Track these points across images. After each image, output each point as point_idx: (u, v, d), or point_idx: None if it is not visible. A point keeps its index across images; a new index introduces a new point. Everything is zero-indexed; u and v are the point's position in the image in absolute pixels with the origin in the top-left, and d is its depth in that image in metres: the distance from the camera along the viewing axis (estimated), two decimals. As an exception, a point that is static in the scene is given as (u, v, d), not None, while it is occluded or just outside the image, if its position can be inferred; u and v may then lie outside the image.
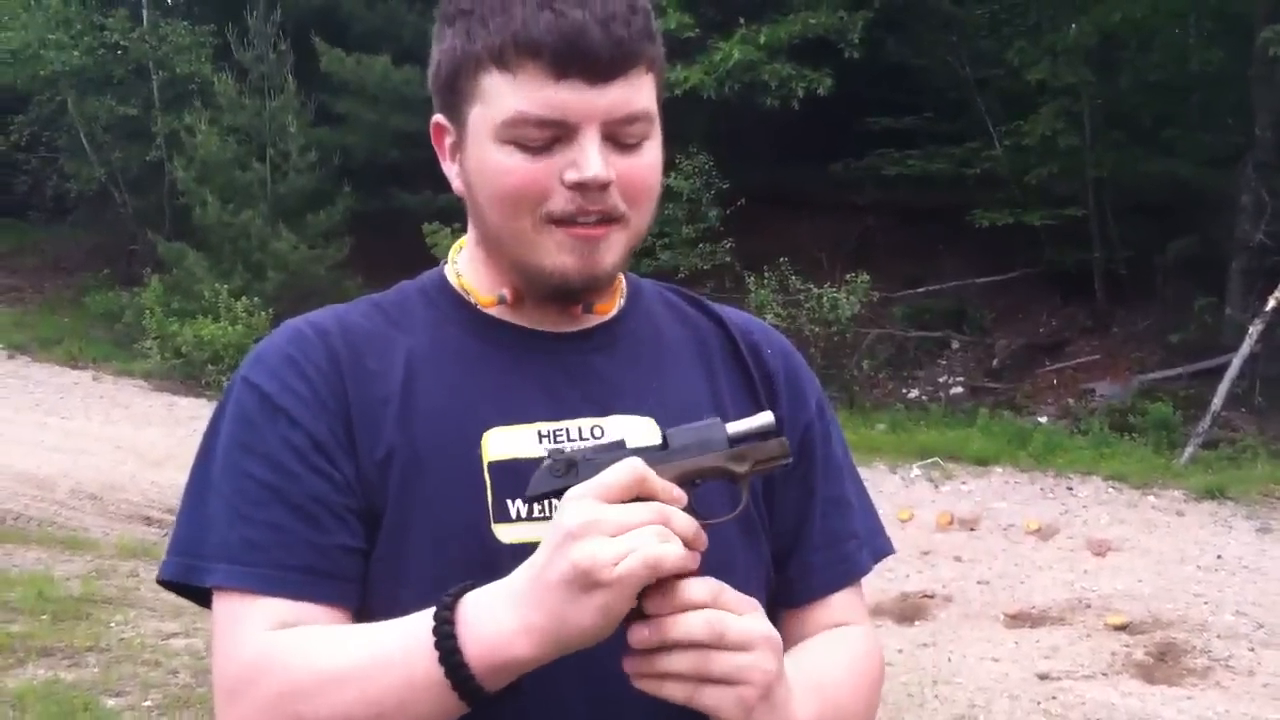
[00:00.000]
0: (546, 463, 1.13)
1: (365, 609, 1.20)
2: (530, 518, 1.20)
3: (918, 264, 14.25)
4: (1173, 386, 11.42)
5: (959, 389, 12.82)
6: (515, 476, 1.20)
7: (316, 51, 15.44)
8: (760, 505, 1.32)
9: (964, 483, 9.61)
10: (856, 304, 12.42)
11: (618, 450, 1.12)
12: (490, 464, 1.22)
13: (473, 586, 1.10)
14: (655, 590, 1.07)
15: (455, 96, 1.23)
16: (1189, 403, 10.85)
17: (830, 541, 1.36)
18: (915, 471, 9.83)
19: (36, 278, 19.13)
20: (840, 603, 1.37)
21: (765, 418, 1.17)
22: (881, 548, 1.43)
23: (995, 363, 13.08)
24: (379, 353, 1.26)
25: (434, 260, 1.39)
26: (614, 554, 1.01)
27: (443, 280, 1.35)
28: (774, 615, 1.33)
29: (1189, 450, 9.83)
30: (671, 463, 1.12)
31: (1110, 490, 9.16)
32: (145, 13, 17.47)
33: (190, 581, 1.21)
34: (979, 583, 7.49)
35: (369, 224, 15.65)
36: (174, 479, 8.52)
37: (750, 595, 1.27)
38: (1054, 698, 5.76)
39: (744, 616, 1.10)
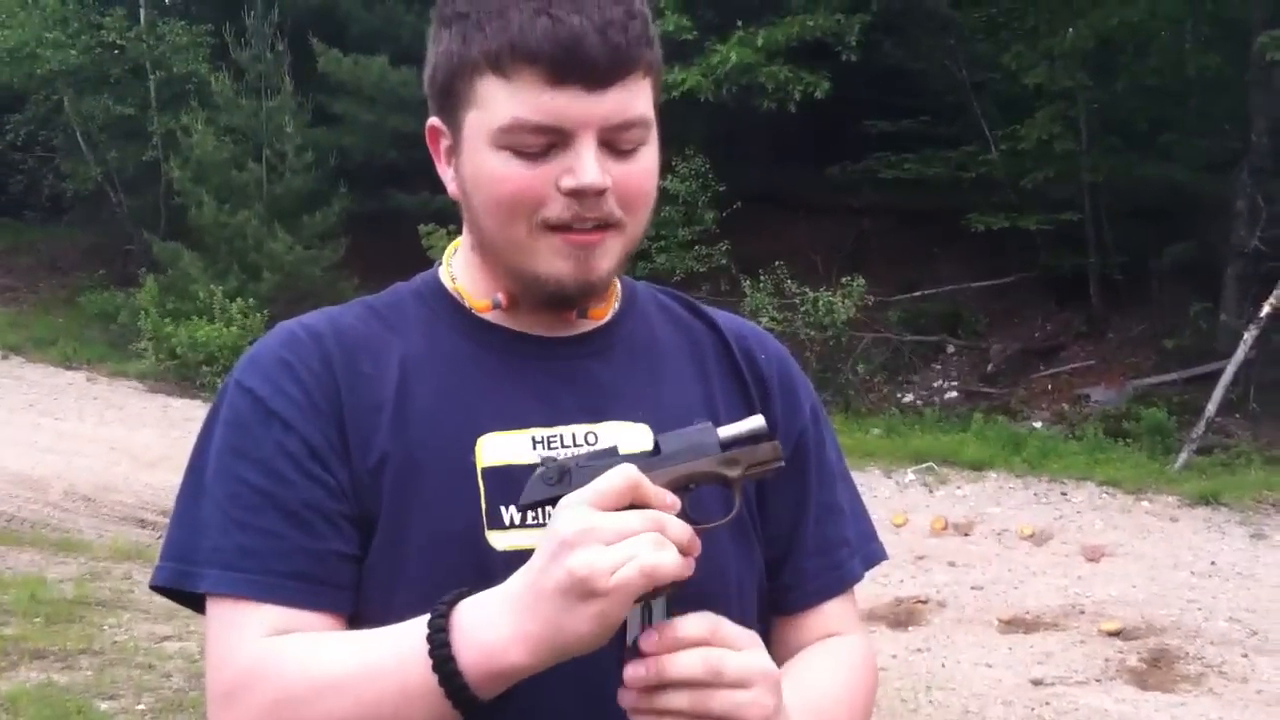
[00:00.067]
0: (540, 470, 1.12)
1: (359, 615, 1.19)
2: (524, 524, 1.20)
3: (913, 268, 14.25)
4: (1167, 392, 11.42)
5: (954, 393, 12.82)
6: (509, 483, 1.20)
7: (314, 52, 15.44)
8: (753, 512, 1.31)
9: (958, 488, 9.61)
10: (852, 308, 12.42)
11: (611, 457, 1.12)
12: (484, 470, 1.21)
13: (468, 593, 1.09)
14: (651, 627, 1.07)
15: (451, 100, 1.22)
16: (1183, 408, 10.85)
17: (823, 549, 1.36)
18: (910, 476, 9.84)
19: (31, 277, 19.11)
20: (833, 611, 1.37)
21: (756, 421, 1.17)
22: (874, 554, 1.43)
23: (990, 367, 13.08)
24: (373, 356, 1.26)
25: (430, 261, 1.39)
26: (611, 562, 1.01)
27: (437, 283, 1.34)
28: (767, 622, 1.34)
29: (1183, 456, 9.83)
30: (664, 468, 1.11)
31: (1104, 496, 9.17)
32: (142, 12, 17.46)
33: (184, 587, 1.20)
34: (973, 588, 7.49)
35: (365, 225, 15.63)
36: (168, 481, 8.49)
37: (743, 601, 1.27)
38: (1048, 703, 5.76)
39: (742, 652, 1.09)
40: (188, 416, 11.71)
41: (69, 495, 9.30)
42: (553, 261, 1.21)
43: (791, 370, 1.41)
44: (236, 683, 1.14)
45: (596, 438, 1.24)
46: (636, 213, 1.23)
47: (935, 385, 13.04)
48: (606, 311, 1.33)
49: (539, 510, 1.18)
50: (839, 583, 1.38)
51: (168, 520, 1.26)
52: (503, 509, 1.20)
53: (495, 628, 1.05)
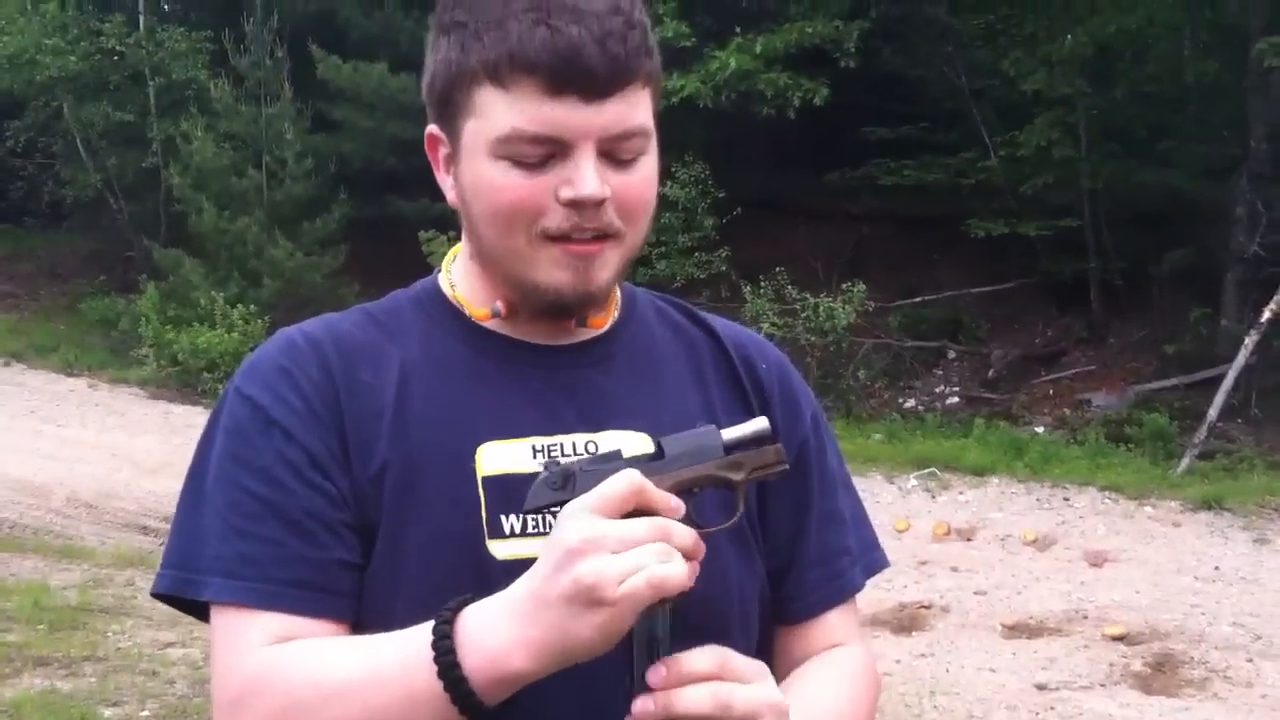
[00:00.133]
0: (543, 475, 1.12)
1: (360, 624, 1.19)
2: (524, 533, 1.20)
3: (913, 274, 14.26)
4: (1169, 397, 11.43)
5: (955, 399, 12.81)
6: (510, 491, 1.19)
7: (313, 58, 15.44)
8: (754, 521, 1.31)
9: (961, 493, 9.61)
10: (852, 313, 12.42)
11: (614, 461, 1.12)
12: (484, 479, 1.21)
13: (471, 600, 1.09)
14: (659, 661, 1.07)
15: (450, 109, 1.22)
16: (1185, 413, 10.85)
17: (825, 558, 1.36)
18: (912, 482, 9.83)
19: (32, 284, 19.10)
20: (834, 621, 1.36)
21: (760, 423, 1.17)
22: (875, 562, 1.42)
23: (991, 373, 13.08)
24: (372, 364, 1.26)
25: (430, 268, 1.39)
26: (618, 571, 1.01)
27: (436, 290, 1.34)
28: (770, 631, 1.34)
29: (1185, 461, 9.83)
30: (668, 473, 1.11)
31: (1107, 501, 9.16)
32: (142, 18, 17.46)
33: (185, 595, 1.21)
34: (976, 593, 7.48)
35: (365, 231, 15.63)
36: (170, 487, 8.46)
37: (745, 608, 1.27)
38: (1052, 708, 5.76)
39: (750, 685, 1.09)
40: (189, 423, 11.70)
41: (71, 502, 9.30)
42: (552, 272, 1.21)
43: (791, 378, 1.40)
44: (242, 691, 1.14)
45: (597, 447, 1.24)
46: (636, 222, 1.23)
47: (937, 391, 13.04)
48: (606, 320, 1.33)
49: (540, 519, 1.18)
50: (840, 592, 1.37)
51: (169, 527, 1.26)
52: (503, 518, 1.20)
53: (499, 633, 1.05)
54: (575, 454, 1.23)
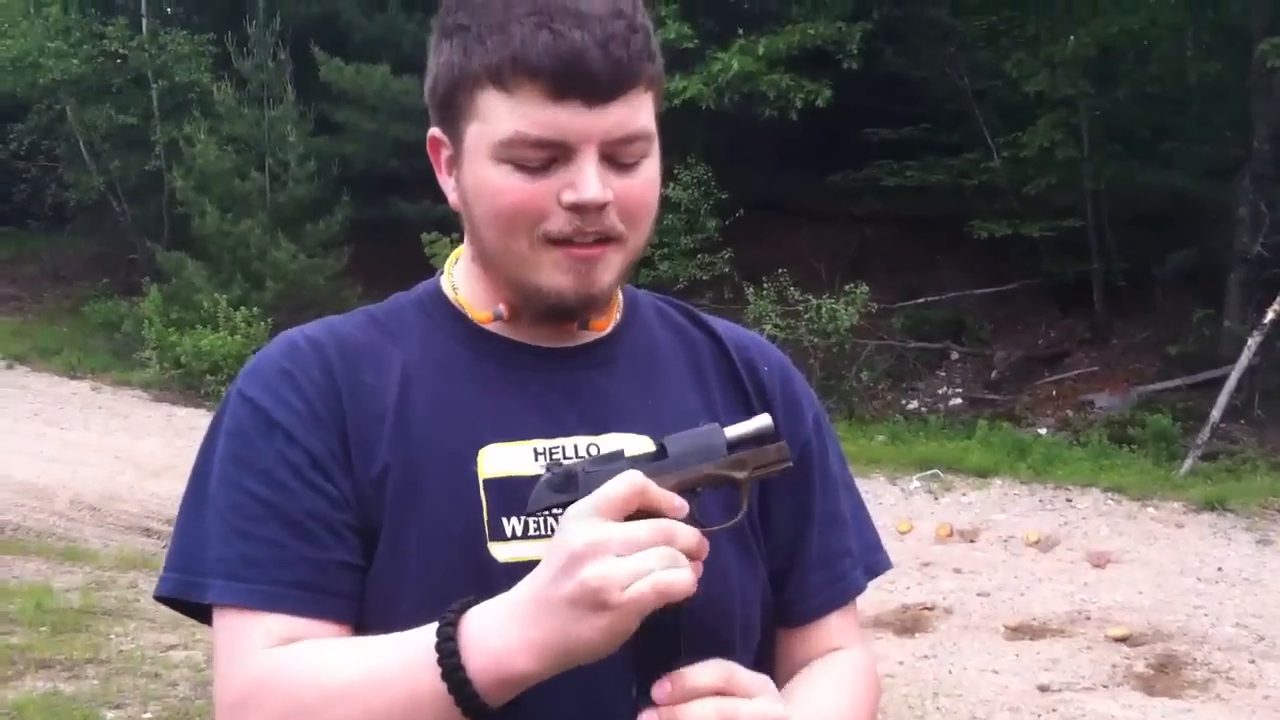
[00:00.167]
0: (546, 476, 1.12)
1: (361, 626, 1.19)
2: (526, 536, 1.20)
3: (916, 275, 14.25)
4: (1171, 398, 11.42)
5: (958, 400, 12.81)
6: (511, 494, 1.19)
7: (316, 61, 15.45)
8: (755, 524, 1.31)
9: (963, 494, 9.60)
10: (855, 315, 12.42)
11: (617, 461, 1.12)
12: (486, 481, 1.21)
13: (474, 602, 1.09)
14: (665, 677, 1.07)
15: (452, 112, 1.22)
16: (1188, 414, 10.85)
17: (827, 561, 1.36)
18: (915, 483, 9.83)
19: (35, 287, 19.13)
20: (836, 624, 1.36)
21: (763, 420, 1.17)
22: (878, 564, 1.42)
23: (994, 374, 13.07)
24: (374, 367, 1.26)
25: (432, 270, 1.39)
26: (625, 575, 1.01)
27: (438, 292, 1.34)
28: (771, 634, 1.34)
29: (1188, 462, 9.83)
30: (671, 472, 1.11)
31: (1110, 502, 9.16)
32: (144, 21, 17.49)
33: (188, 598, 1.21)
34: (979, 595, 7.48)
35: (368, 233, 15.65)
36: (173, 490, 8.49)
37: (747, 609, 1.27)
38: (1054, 710, 5.75)
39: (755, 700, 1.09)
40: (192, 425, 11.71)
41: (74, 504, 9.31)
42: (554, 275, 1.21)
43: (794, 380, 1.40)
44: (245, 693, 1.14)
45: (599, 450, 1.24)
46: (638, 226, 1.23)
47: (939, 392, 13.04)
48: (608, 323, 1.33)
49: (542, 522, 1.18)
50: (842, 594, 1.37)
51: (172, 530, 1.26)
52: (504, 520, 1.20)
53: (503, 635, 1.05)
54: (577, 457, 1.23)
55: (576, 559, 1.02)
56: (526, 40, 1.15)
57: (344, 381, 1.24)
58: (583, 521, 1.04)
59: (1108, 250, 13.00)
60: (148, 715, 5.27)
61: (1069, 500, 9.27)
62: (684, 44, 12.74)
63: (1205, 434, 10.03)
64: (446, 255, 1.38)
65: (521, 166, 1.18)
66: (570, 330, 1.30)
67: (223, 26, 16.70)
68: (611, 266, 1.22)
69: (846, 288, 12.65)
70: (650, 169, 1.23)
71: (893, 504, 9.31)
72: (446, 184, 1.27)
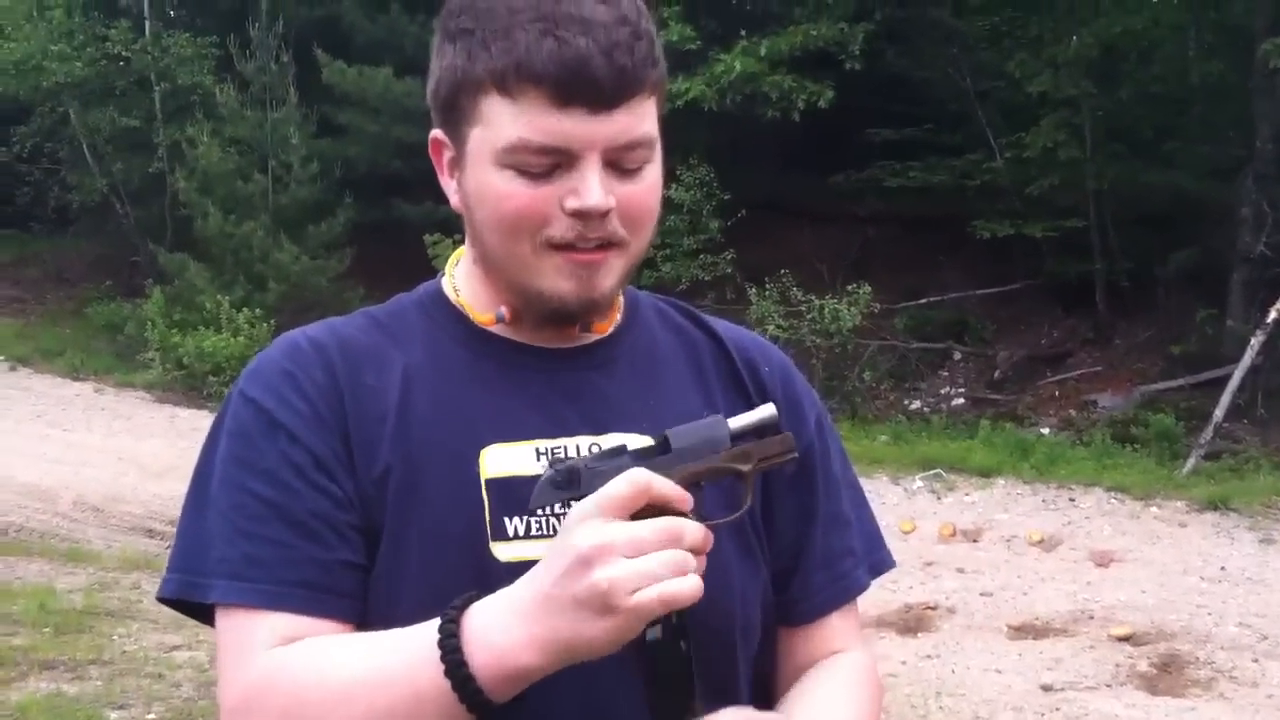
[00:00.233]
0: (548, 473, 1.12)
1: (363, 626, 1.19)
2: (528, 536, 1.20)
3: (919, 275, 14.25)
4: (1174, 398, 11.41)
5: (960, 400, 12.80)
6: (513, 494, 1.20)
7: (318, 63, 15.46)
8: (757, 524, 1.31)
9: (966, 494, 9.60)
10: (858, 315, 12.41)
11: (620, 457, 1.12)
12: (488, 481, 1.21)
13: (476, 598, 1.10)
14: None
15: (455, 115, 1.22)
16: (1191, 414, 10.84)
17: (830, 560, 1.36)
18: (917, 483, 9.82)
19: (38, 289, 19.15)
20: (837, 624, 1.36)
21: (767, 410, 1.17)
22: (881, 562, 1.43)
23: (997, 374, 13.07)
24: (376, 368, 1.26)
25: (435, 271, 1.39)
26: (633, 579, 1.02)
27: (439, 294, 1.34)
28: (773, 634, 1.34)
29: (1191, 462, 9.82)
30: (676, 467, 1.11)
31: (1113, 501, 9.15)
32: (147, 24, 17.49)
33: (191, 598, 1.21)
34: (982, 594, 7.48)
35: (370, 235, 15.65)
36: (176, 491, 8.46)
37: (748, 607, 1.28)
38: (1058, 709, 5.75)
39: None
40: (195, 426, 11.70)
41: (77, 505, 9.32)
42: (556, 280, 1.21)
43: (795, 381, 1.40)
44: (249, 693, 1.14)
45: (600, 450, 1.24)
46: (640, 231, 1.23)
47: (942, 392, 13.03)
48: (610, 324, 1.33)
49: (544, 523, 1.19)
50: (844, 594, 1.37)
51: (175, 530, 1.26)
52: (506, 520, 1.20)
53: (506, 631, 1.06)
54: (579, 457, 1.23)
55: (584, 561, 1.02)
56: (531, 47, 1.14)
57: (346, 383, 1.24)
58: (588, 522, 1.04)
59: (1110, 250, 12.99)
60: (151, 716, 5.27)
61: (1072, 500, 9.27)
62: (687, 45, 12.75)
63: (1208, 433, 10.02)
64: (449, 257, 1.39)
65: (524, 172, 1.18)
66: (571, 333, 1.30)
67: (225, 29, 16.72)
68: (613, 271, 1.23)
69: (849, 288, 12.64)
70: (653, 174, 1.23)
71: (896, 504, 9.31)
72: (448, 186, 1.28)
